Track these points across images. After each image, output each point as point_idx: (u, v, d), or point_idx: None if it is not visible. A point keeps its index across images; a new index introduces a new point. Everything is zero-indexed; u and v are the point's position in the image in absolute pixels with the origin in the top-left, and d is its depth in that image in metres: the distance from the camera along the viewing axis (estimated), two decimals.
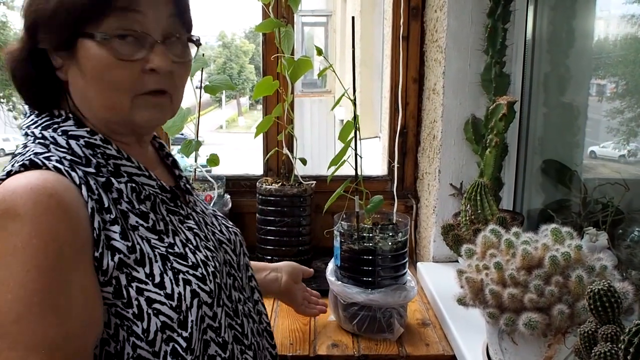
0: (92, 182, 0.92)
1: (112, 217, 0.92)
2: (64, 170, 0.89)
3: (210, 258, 1.06)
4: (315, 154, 10.14)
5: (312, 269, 1.74)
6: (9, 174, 0.87)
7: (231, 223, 1.29)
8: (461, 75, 2.02)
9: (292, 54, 2.12)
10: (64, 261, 0.83)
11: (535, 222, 1.98)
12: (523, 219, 1.91)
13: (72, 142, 0.96)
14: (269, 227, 2.13)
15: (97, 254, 0.88)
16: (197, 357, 0.96)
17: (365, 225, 1.78)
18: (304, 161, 2.25)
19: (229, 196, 2.28)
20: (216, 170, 2.42)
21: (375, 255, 1.67)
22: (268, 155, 2.36)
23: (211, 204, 2.16)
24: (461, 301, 1.34)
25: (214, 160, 2.29)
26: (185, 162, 2.33)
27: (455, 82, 2.02)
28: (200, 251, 1.05)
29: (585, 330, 0.95)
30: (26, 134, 0.99)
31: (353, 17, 2.06)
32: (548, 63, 2.04)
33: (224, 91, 2.65)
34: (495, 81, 1.92)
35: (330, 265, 1.80)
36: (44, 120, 0.99)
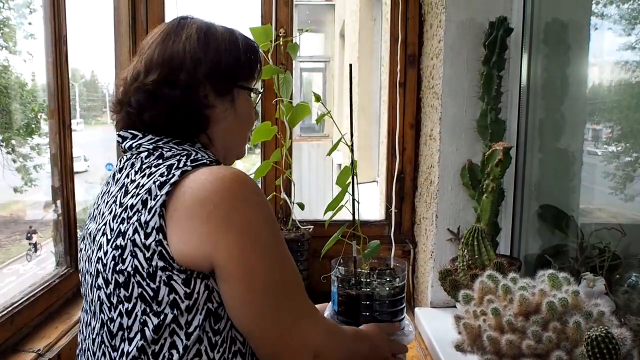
0: None
1: None
2: None
3: None
4: (312, 198, 10.14)
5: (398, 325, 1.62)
6: (198, 164, 1.08)
7: None
8: (457, 121, 2.04)
9: (291, 99, 2.15)
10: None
11: (533, 268, 1.97)
12: (520, 264, 1.91)
13: (209, 154, 1.18)
14: None
15: None
16: None
17: (363, 270, 1.78)
18: (301, 206, 2.26)
19: None
20: None
21: (373, 301, 1.67)
22: None
23: None
24: (459, 347, 1.33)
25: None
26: None
27: (451, 128, 2.04)
28: None
29: None
30: (155, 148, 1.15)
31: (350, 65, 2.09)
32: (543, 109, 2.07)
33: None
34: (491, 127, 1.94)
35: (328, 311, 1.78)
36: (169, 139, 1.17)
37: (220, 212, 1.01)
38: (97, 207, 1.18)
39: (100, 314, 1.09)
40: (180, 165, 1.07)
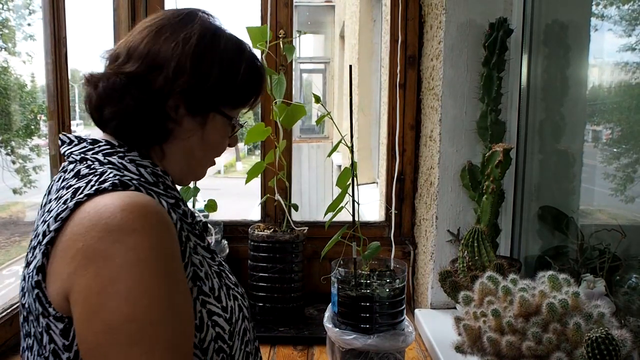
0: (164, 203, 0.97)
1: (186, 233, 1.00)
2: (151, 193, 0.96)
3: (237, 281, 1.18)
4: (313, 199, 10.15)
5: None
6: (98, 191, 0.91)
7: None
8: (457, 122, 2.04)
9: (290, 99, 2.15)
10: (175, 269, 0.92)
11: (533, 269, 1.97)
12: (520, 266, 1.91)
13: (142, 170, 1.02)
14: (261, 274, 2.12)
15: (182, 263, 0.96)
16: None
17: (363, 272, 1.78)
18: (295, 207, 2.26)
19: (226, 242, 2.28)
20: (214, 216, 2.42)
21: (373, 302, 1.67)
22: (261, 202, 2.37)
23: None
24: (459, 349, 1.33)
25: (211, 205, 2.30)
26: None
27: (451, 129, 2.04)
28: (232, 275, 1.17)
29: None
30: (82, 159, 1.01)
31: (350, 66, 2.09)
32: (543, 110, 2.07)
33: None
34: (491, 128, 1.94)
35: (328, 312, 1.79)
36: (102, 148, 1.03)
37: (88, 249, 0.85)
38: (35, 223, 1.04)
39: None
40: (80, 193, 0.91)
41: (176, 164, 1.10)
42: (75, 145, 1.04)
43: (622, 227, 1.62)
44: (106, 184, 0.91)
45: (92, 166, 0.99)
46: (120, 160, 1.01)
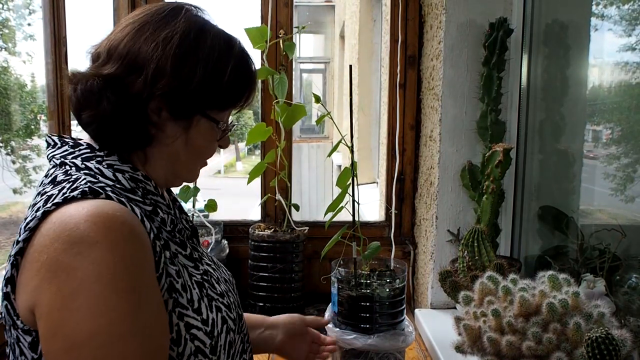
0: (139, 211, 0.93)
1: (162, 243, 0.96)
2: (123, 200, 0.91)
3: (227, 291, 1.12)
4: (313, 199, 10.15)
5: (325, 319, 1.69)
6: (66, 200, 0.86)
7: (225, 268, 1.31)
8: (457, 122, 2.04)
9: (290, 99, 2.15)
10: (143, 283, 0.86)
11: (533, 269, 1.97)
12: (520, 266, 1.91)
13: (119, 175, 0.97)
14: (261, 273, 2.12)
15: (157, 274, 0.91)
16: None
17: (363, 272, 1.78)
18: (296, 207, 2.26)
19: (226, 242, 2.28)
20: (214, 216, 2.42)
21: (373, 302, 1.67)
22: (261, 201, 2.37)
23: (209, 250, 2.16)
24: (459, 349, 1.33)
25: (211, 205, 2.30)
26: (184, 208, 2.34)
27: (451, 129, 2.04)
28: (221, 283, 1.11)
29: None
30: (62, 164, 0.98)
31: (350, 66, 2.09)
32: (543, 110, 2.07)
33: None
34: (491, 128, 1.94)
35: (328, 312, 1.79)
36: (82, 152, 0.99)
37: (52, 262, 0.81)
38: None
39: None
40: (51, 201, 0.87)
41: (160, 169, 1.05)
42: (58, 148, 1.01)
43: (622, 227, 1.62)
44: (75, 192, 0.87)
45: (69, 172, 0.96)
46: (97, 166, 0.97)
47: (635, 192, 1.76)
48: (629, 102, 1.79)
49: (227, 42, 1.04)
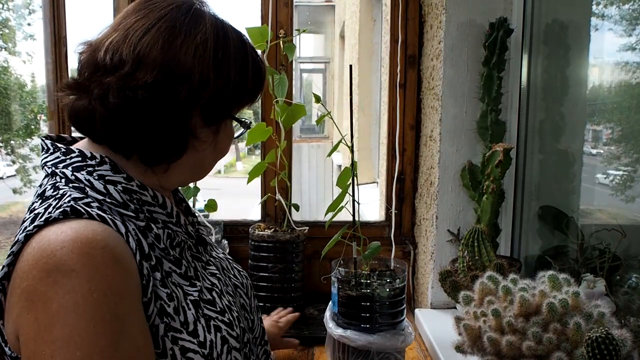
0: (131, 227, 0.89)
1: (153, 263, 0.91)
2: (108, 220, 0.86)
3: (233, 303, 1.07)
4: (313, 199, 10.15)
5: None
6: (48, 221, 0.83)
7: (240, 267, 1.30)
8: (457, 122, 2.04)
9: (290, 99, 2.15)
10: (125, 311, 0.82)
11: (533, 269, 1.97)
12: (520, 266, 1.91)
13: (110, 187, 0.92)
14: (261, 273, 2.12)
15: (145, 299, 0.86)
16: None
17: (363, 272, 1.78)
18: (296, 207, 2.26)
19: (226, 242, 2.28)
20: (214, 216, 2.42)
21: (373, 302, 1.67)
22: (261, 201, 2.37)
23: None
24: (459, 349, 1.33)
25: (212, 205, 2.30)
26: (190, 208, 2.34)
27: (451, 129, 2.04)
28: (224, 296, 1.06)
29: None
30: (53, 173, 0.94)
31: (351, 66, 2.09)
32: (543, 110, 2.07)
33: None
34: (491, 128, 1.94)
35: (328, 312, 1.79)
36: (74, 160, 0.94)
37: (30, 290, 0.79)
38: None
39: None
40: (35, 221, 0.84)
41: (180, 176, 1.03)
42: (51, 154, 0.96)
43: (622, 227, 1.62)
44: (56, 212, 0.83)
45: (57, 185, 0.91)
46: (87, 177, 0.92)
47: (635, 192, 1.76)
48: (629, 102, 1.79)
49: (242, 41, 1.03)
